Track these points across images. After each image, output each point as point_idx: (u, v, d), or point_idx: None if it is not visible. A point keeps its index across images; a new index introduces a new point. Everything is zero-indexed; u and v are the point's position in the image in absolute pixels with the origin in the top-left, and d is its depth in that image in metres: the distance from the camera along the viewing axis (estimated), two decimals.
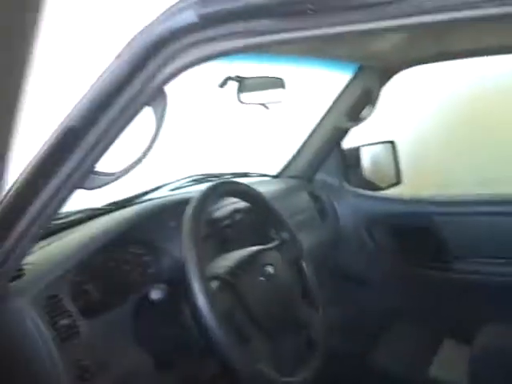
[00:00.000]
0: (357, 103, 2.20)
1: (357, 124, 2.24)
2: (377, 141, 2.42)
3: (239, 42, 0.98)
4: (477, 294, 2.07)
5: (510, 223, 2.06)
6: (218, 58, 1.11)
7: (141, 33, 0.99)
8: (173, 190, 1.91)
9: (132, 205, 1.67)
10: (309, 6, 0.86)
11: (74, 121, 1.06)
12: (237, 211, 1.72)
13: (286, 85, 1.79)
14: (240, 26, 0.95)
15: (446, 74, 2.58)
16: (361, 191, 2.33)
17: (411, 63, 2.09)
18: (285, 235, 1.52)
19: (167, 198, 1.76)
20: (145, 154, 1.14)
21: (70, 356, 1.18)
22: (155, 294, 1.34)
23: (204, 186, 1.67)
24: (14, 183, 1.09)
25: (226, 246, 1.52)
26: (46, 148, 1.07)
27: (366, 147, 2.38)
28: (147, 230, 1.51)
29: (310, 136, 2.30)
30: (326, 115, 2.26)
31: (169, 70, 1.04)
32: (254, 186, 1.59)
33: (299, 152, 2.33)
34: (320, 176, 2.35)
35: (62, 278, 1.25)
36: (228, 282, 1.30)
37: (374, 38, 1.61)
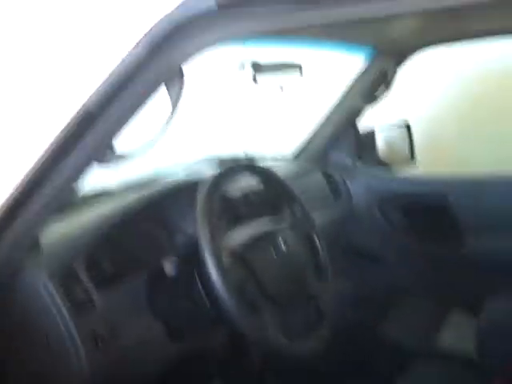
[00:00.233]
0: (372, 84, 2.22)
1: (372, 105, 2.26)
2: (392, 121, 2.43)
3: (256, 26, 1.01)
4: (488, 271, 2.09)
5: None
6: (235, 41, 1.15)
7: (161, 21, 1.02)
8: (186, 171, 1.95)
9: (147, 185, 1.71)
10: None
11: (93, 105, 1.10)
12: (251, 190, 1.76)
13: (303, 66, 1.81)
14: (257, 11, 0.98)
15: (463, 54, 2.58)
16: (374, 171, 2.36)
17: (427, 45, 2.10)
18: (297, 212, 1.56)
19: (181, 179, 1.80)
20: (161, 134, 1.18)
21: (84, 326, 1.24)
22: (168, 267, 1.38)
23: (218, 168, 1.72)
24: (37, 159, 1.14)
25: (239, 224, 1.56)
26: (66, 129, 1.11)
27: (380, 128, 2.40)
28: (162, 208, 1.56)
29: (326, 117, 2.32)
30: (341, 97, 2.28)
31: (187, 50, 1.08)
32: (269, 167, 1.63)
33: (314, 133, 2.36)
34: (334, 156, 2.38)
35: (78, 251, 1.31)
36: (240, 256, 1.34)
37: (389, 21, 1.62)
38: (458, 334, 1.85)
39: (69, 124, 1.11)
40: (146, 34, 1.05)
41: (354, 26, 1.53)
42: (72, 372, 1.23)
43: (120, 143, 1.18)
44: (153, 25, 1.04)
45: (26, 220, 1.15)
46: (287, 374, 1.87)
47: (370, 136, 2.38)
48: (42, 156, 1.13)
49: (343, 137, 2.35)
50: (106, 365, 1.27)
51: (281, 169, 1.84)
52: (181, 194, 1.61)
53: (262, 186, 1.72)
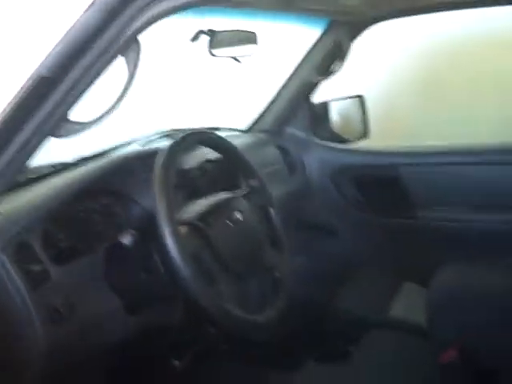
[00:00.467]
0: (327, 58, 2.23)
1: (326, 78, 2.27)
2: (346, 94, 2.45)
3: None
4: (440, 240, 2.18)
5: (473, 172, 2.15)
6: (190, 9, 1.14)
7: None
8: (141, 144, 1.93)
9: (101, 158, 1.69)
10: None
11: (46, 70, 1.07)
12: (207, 161, 1.75)
13: (258, 40, 1.80)
14: None
15: (415, 28, 2.61)
16: (328, 144, 2.38)
17: (381, 18, 2.11)
18: (254, 183, 1.56)
19: (136, 150, 1.79)
20: (117, 104, 1.16)
21: (41, 300, 1.21)
22: (126, 239, 1.37)
23: (172, 139, 1.70)
24: None
25: (195, 196, 1.55)
26: (19, 96, 1.09)
27: (334, 101, 2.42)
28: (117, 180, 1.54)
29: (280, 90, 2.32)
30: (295, 70, 2.28)
31: (143, 18, 1.06)
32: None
33: (268, 106, 2.36)
34: (288, 130, 2.39)
35: (33, 226, 1.27)
36: (197, 226, 1.33)
37: None
38: (410, 306, 1.89)
39: (21, 92, 1.08)
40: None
41: None
42: (29, 346, 1.21)
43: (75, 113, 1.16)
44: None
45: None
46: (242, 346, 1.90)
47: (324, 109, 2.39)
48: None
49: (297, 110, 2.35)
50: (63, 339, 1.25)
51: (234, 141, 1.83)
52: (135, 166, 1.59)
53: (218, 157, 1.71)
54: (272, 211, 1.57)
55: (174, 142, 1.36)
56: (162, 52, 2.59)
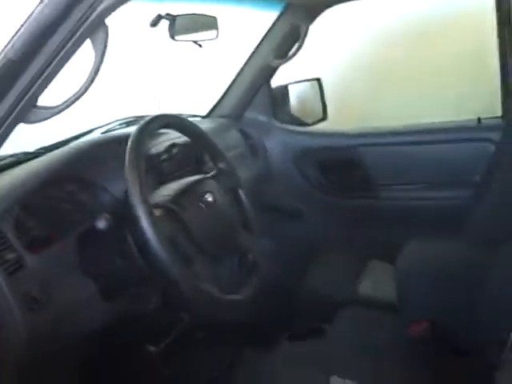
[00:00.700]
0: (284, 41, 2.24)
1: (284, 62, 2.28)
2: (304, 78, 2.47)
3: None
4: (401, 218, 2.24)
5: (429, 151, 2.22)
6: None
7: None
8: (104, 132, 1.91)
9: (64, 146, 1.67)
10: None
11: (13, 53, 1.05)
12: (173, 146, 1.75)
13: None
14: None
15: (372, 12, 2.65)
16: (289, 127, 2.40)
17: (338, 0, 2.13)
18: (222, 165, 1.56)
19: (101, 137, 1.77)
20: (86, 88, 1.15)
21: (17, 288, 1.20)
22: (101, 223, 1.36)
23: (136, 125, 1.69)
24: None
25: (164, 180, 1.55)
26: None
27: (293, 85, 2.44)
28: (83, 167, 1.52)
29: (239, 75, 2.33)
30: (254, 54, 2.29)
31: (109, 0, 1.05)
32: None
33: (228, 91, 2.36)
34: (249, 114, 2.40)
35: (4, 214, 1.26)
36: (170, 209, 1.33)
37: None
38: (377, 283, 1.93)
39: None
40: None
41: None
42: (8, 335, 1.20)
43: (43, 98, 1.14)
44: None
45: None
46: (216, 328, 1.91)
47: (284, 93, 2.42)
48: None
49: (257, 94, 2.36)
50: (41, 326, 1.24)
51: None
52: (101, 152, 1.58)
53: (184, 141, 1.71)
54: (241, 193, 1.58)
55: (142, 125, 1.35)
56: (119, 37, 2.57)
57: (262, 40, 2.26)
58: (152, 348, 1.76)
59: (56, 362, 1.41)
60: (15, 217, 1.29)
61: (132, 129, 1.87)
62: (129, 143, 1.29)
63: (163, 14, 1.68)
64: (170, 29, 1.64)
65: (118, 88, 2.85)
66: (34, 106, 1.13)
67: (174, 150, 1.74)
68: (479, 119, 2.16)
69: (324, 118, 2.48)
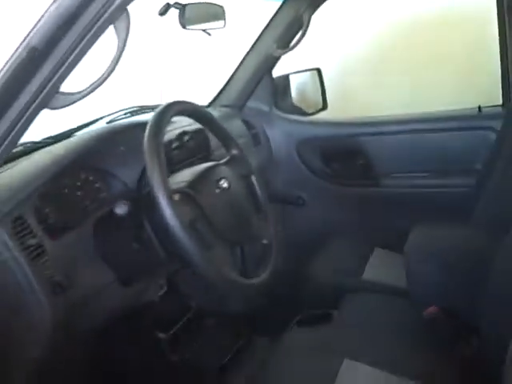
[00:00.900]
0: (287, 31, 2.25)
1: (287, 51, 2.29)
2: (305, 68, 2.49)
3: None
4: (403, 205, 2.27)
5: (431, 139, 2.25)
6: None
7: None
8: (109, 122, 1.92)
9: (72, 137, 1.68)
10: None
11: (36, 41, 1.06)
12: (184, 133, 1.76)
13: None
14: None
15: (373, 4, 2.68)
16: (291, 117, 2.43)
17: None
18: (234, 152, 1.57)
19: (110, 126, 1.78)
20: (108, 74, 1.16)
21: (41, 273, 1.22)
22: (120, 209, 1.37)
23: (141, 117, 1.70)
24: None
25: (173, 168, 1.56)
26: (9, 68, 1.07)
27: (293, 75, 2.46)
28: (94, 156, 1.53)
29: (241, 65, 2.34)
30: (256, 43, 2.30)
31: None
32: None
33: (231, 81, 2.37)
34: (251, 103, 2.41)
35: (25, 202, 1.27)
36: (188, 194, 1.34)
37: None
38: (381, 269, 1.96)
39: (13, 63, 1.06)
40: None
41: None
42: (34, 320, 1.22)
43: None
44: None
45: None
46: (224, 315, 1.94)
47: (285, 83, 2.43)
48: None
49: (259, 84, 2.37)
50: (64, 311, 1.26)
51: None
52: (113, 140, 1.59)
53: (194, 129, 1.72)
54: (253, 179, 1.59)
55: (159, 111, 1.35)
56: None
57: (265, 29, 2.27)
58: (161, 335, 1.78)
59: (73, 347, 1.42)
60: (34, 204, 1.30)
61: (137, 118, 1.90)
62: (147, 130, 1.30)
63: (171, 2, 1.69)
64: (180, 17, 1.65)
65: (118, 77, 2.84)
66: (57, 92, 1.13)
67: (186, 138, 1.75)
68: (480, 108, 2.19)
69: (324, 107, 2.51)
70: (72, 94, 1.15)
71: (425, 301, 1.51)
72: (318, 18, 2.24)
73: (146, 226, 1.37)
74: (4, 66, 1.07)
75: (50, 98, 1.12)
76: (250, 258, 1.56)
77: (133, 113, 2.03)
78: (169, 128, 1.70)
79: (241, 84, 2.36)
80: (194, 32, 1.78)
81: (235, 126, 2.26)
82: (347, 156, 2.36)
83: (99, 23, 1.09)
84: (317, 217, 2.41)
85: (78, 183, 1.47)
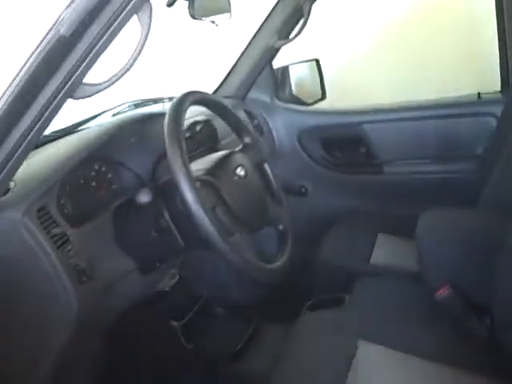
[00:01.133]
0: (287, 22, 2.27)
1: (288, 42, 2.32)
2: (303, 59, 2.52)
3: None
4: (404, 192, 2.32)
5: (430, 126, 2.29)
6: None
7: None
8: (114, 115, 1.93)
9: (76, 132, 1.69)
10: None
11: (65, 30, 1.07)
12: (195, 124, 1.78)
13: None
14: None
15: None
16: (292, 106, 2.46)
17: None
18: (247, 140, 1.59)
19: (120, 118, 1.79)
20: (131, 63, 1.17)
21: (67, 262, 1.24)
22: (144, 197, 1.39)
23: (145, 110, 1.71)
24: (4, 93, 1.10)
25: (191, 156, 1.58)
26: (38, 56, 1.08)
27: (293, 65, 2.48)
28: (107, 147, 1.54)
29: (242, 56, 2.36)
30: (257, 34, 2.32)
31: None
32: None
33: (232, 72, 2.39)
34: (252, 94, 2.44)
35: (47, 193, 1.29)
36: (208, 181, 1.37)
37: None
38: (388, 254, 1.99)
39: (42, 51, 1.07)
40: None
41: None
42: (61, 308, 1.23)
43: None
44: None
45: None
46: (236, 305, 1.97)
47: (285, 74, 2.46)
48: (12, 93, 1.09)
49: (260, 75, 2.39)
50: (89, 300, 1.27)
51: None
52: (124, 132, 1.61)
53: (203, 118, 1.74)
54: (266, 166, 1.61)
55: (177, 101, 1.37)
56: None
57: (266, 20, 2.29)
58: (175, 323, 1.80)
59: (93, 337, 1.44)
60: (55, 195, 1.32)
61: (141, 110, 1.91)
62: (166, 118, 1.32)
63: None
64: (189, 8, 1.67)
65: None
66: (81, 82, 1.15)
67: (197, 128, 1.77)
68: (479, 94, 2.23)
69: (323, 97, 2.54)
70: (95, 84, 1.16)
71: (437, 283, 1.53)
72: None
73: (165, 214, 1.39)
74: (32, 54, 1.08)
75: (76, 87, 1.13)
76: (265, 244, 1.58)
77: (137, 105, 2.05)
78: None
79: (242, 75, 2.39)
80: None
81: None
82: (349, 144, 2.39)
83: (124, 12, 1.11)
84: (319, 205, 2.44)
85: (93, 173, 1.49)
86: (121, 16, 1.11)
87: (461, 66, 2.70)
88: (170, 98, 2.13)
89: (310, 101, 2.53)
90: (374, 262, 1.96)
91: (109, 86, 1.17)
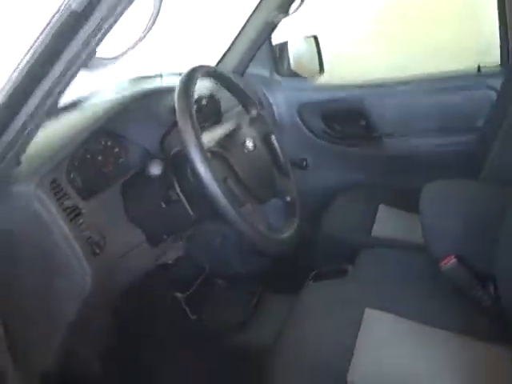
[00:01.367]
0: None
1: (286, 16, 2.31)
2: (302, 34, 2.52)
3: None
4: (405, 164, 2.34)
5: (431, 99, 2.31)
6: None
7: None
8: (117, 92, 1.92)
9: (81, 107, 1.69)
10: None
11: (76, 5, 1.07)
12: (201, 98, 1.78)
13: None
14: None
15: None
16: (291, 81, 2.46)
17: None
18: (254, 112, 1.60)
19: (124, 93, 1.79)
20: (143, 36, 1.18)
21: (80, 234, 1.26)
22: (155, 169, 1.40)
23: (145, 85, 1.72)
24: (18, 66, 1.11)
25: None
26: (50, 31, 1.08)
27: (292, 40, 2.48)
28: (113, 122, 1.55)
29: (242, 31, 2.35)
30: (256, 9, 2.31)
31: None
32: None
33: (232, 47, 2.39)
34: (251, 69, 2.43)
35: (57, 166, 1.30)
36: (218, 153, 1.38)
37: None
38: (389, 225, 2.01)
39: (53, 26, 1.08)
40: None
41: None
42: (75, 281, 1.25)
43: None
44: None
45: (15, 131, 1.13)
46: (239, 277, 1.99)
47: (284, 48, 2.46)
48: (26, 65, 1.10)
49: (260, 50, 2.39)
50: (101, 272, 1.29)
51: (205, 83, 1.85)
52: (130, 107, 1.61)
53: (208, 93, 1.74)
54: (273, 138, 1.61)
55: (187, 74, 1.37)
56: None
57: None
58: (179, 294, 1.83)
59: (104, 310, 1.46)
60: (66, 169, 1.33)
61: (143, 86, 1.91)
62: (177, 90, 1.32)
63: None
64: None
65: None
66: (93, 55, 1.15)
67: (203, 102, 1.77)
68: (479, 67, 2.24)
69: (321, 72, 2.54)
70: (106, 58, 1.17)
71: (442, 253, 1.55)
72: None
73: (176, 186, 1.40)
74: (45, 29, 1.09)
75: (89, 59, 1.14)
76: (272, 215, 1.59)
77: (136, 81, 2.04)
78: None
79: (242, 50, 2.37)
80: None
81: None
82: (349, 117, 2.40)
83: None
84: (321, 178, 2.46)
85: (100, 147, 1.50)
86: None
87: (462, 38, 2.70)
88: (171, 74, 2.13)
89: (308, 75, 2.53)
90: (375, 235, 1.98)
91: (121, 57, 1.18)
